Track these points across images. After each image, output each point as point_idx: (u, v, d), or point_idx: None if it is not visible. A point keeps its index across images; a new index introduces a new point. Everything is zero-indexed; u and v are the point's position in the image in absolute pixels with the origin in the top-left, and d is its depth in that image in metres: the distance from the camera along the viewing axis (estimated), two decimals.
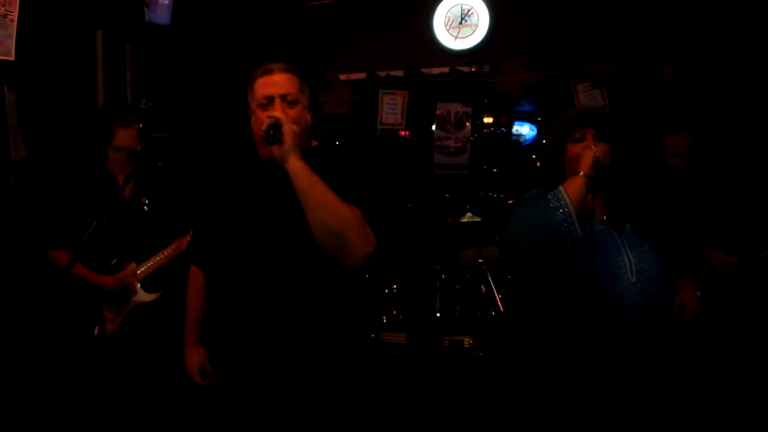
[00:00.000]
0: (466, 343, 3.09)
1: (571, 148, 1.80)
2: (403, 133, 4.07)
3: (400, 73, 3.87)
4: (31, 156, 2.72)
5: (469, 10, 3.84)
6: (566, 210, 1.66)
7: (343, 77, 3.98)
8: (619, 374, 1.69)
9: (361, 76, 3.93)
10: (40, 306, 2.47)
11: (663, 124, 3.05)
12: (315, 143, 1.81)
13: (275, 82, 1.67)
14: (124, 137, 2.52)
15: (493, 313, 3.13)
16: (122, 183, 2.42)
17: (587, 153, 1.71)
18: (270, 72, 1.69)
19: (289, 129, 1.55)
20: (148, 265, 2.52)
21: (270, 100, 1.66)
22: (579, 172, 1.72)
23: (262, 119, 1.62)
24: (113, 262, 2.50)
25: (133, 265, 2.50)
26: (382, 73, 3.88)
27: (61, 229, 2.41)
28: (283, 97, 1.66)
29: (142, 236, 2.51)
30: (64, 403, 2.42)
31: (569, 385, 1.71)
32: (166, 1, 3.39)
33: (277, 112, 1.61)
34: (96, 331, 2.42)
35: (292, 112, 1.65)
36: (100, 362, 2.39)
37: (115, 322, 2.45)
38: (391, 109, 3.85)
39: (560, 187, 1.71)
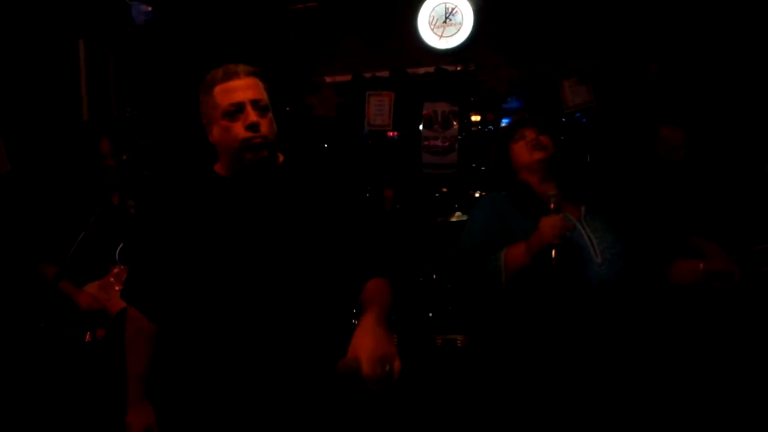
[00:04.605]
0: (458, 342, 3.10)
1: (515, 148, 1.94)
2: (391, 134, 4.07)
3: (385, 74, 3.86)
4: (16, 169, 2.71)
5: (453, 9, 3.84)
6: (497, 279, 1.71)
7: (328, 80, 3.98)
8: (600, 355, 1.70)
9: (347, 78, 3.93)
10: (30, 319, 2.47)
11: (649, 118, 3.06)
12: (281, 158, 1.60)
13: (242, 87, 1.46)
14: (110, 153, 2.53)
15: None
16: (110, 190, 2.44)
17: (545, 228, 1.64)
18: (235, 75, 1.47)
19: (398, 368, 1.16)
20: None
21: (239, 107, 1.44)
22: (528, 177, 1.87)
23: (234, 131, 1.45)
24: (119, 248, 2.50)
25: (118, 268, 2.50)
26: (368, 75, 3.88)
27: (50, 241, 2.41)
28: (255, 104, 1.46)
29: (128, 239, 2.53)
30: (60, 410, 2.42)
31: (554, 376, 1.72)
32: (149, 8, 3.38)
33: None
34: (88, 337, 2.43)
35: (266, 122, 1.47)
36: (95, 367, 2.39)
37: (104, 327, 2.46)
38: (378, 110, 3.85)
39: (501, 256, 1.73)
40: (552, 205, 1.68)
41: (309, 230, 1.47)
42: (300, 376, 1.43)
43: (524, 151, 1.90)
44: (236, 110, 1.45)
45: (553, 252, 1.62)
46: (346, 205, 1.55)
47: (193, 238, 1.47)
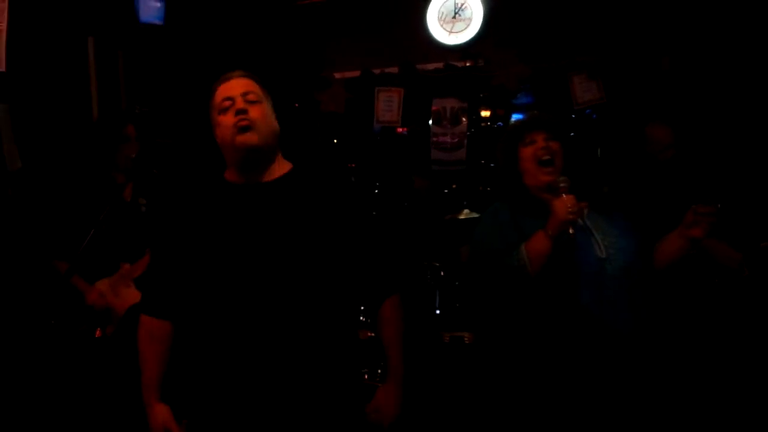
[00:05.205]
0: (466, 339, 3.09)
1: (523, 151, 1.89)
2: (400, 130, 4.06)
3: (394, 70, 3.85)
4: (27, 167, 2.73)
5: (462, 4, 3.81)
6: (524, 272, 1.72)
7: (338, 75, 3.97)
8: (605, 353, 1.71)
9: (356, 73, 3.92)
10: (40, 316, 2.50)
11: (657, 114, 3.03)
12: (289, 166, 1.65)
13: (234, 85, 1.57)
14: (127, 154, 2.55)
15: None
16: (121, 187, 2.46)
17: (559, 207, 1.69)
18: (228, 78, 1.59)
19: None
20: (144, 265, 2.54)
21: (231, 99, 1.54)
22: (539, 181, 1.83)
23: (225, 123, 1.54)
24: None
25: (128, 265, 2.52)
26: (377, 71, 3.87)
27: (63, 238, 2.43)
28: (244, 95, 1.55)
29: (139, 237, 2.54)
30: (69, 407, 2.45)
31: (559, 374, 1.72)
32: (158, 4, 3.38)
33: None
34: (98, 333, 2.45)
35: (255, 110, 1.54)
36: (104, 363, 2.42)
37: (113, 323, 2.49)
38: (387, 106, 3.84)
39: (523, 249, 1.73)
40: (562, 189, 1.72)
41: (316, 239, 1.52)
42: (307, 380, 1.48)
43: (532, 164, 1.86)
44: (229, 104, 1.54)
45: (570, 229, 1.68)
46: (355, 217, 1.61)
47: (204, 247, 1.53)
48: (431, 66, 3.85)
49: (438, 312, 3.28)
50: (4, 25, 2.48)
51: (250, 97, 1.55)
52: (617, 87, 3.49)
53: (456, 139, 3.80)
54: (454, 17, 3.83)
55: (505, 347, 1.87)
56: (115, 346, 2.44)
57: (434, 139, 3.85)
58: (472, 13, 3.80)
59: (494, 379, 1.91)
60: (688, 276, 1.96)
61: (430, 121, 3.88)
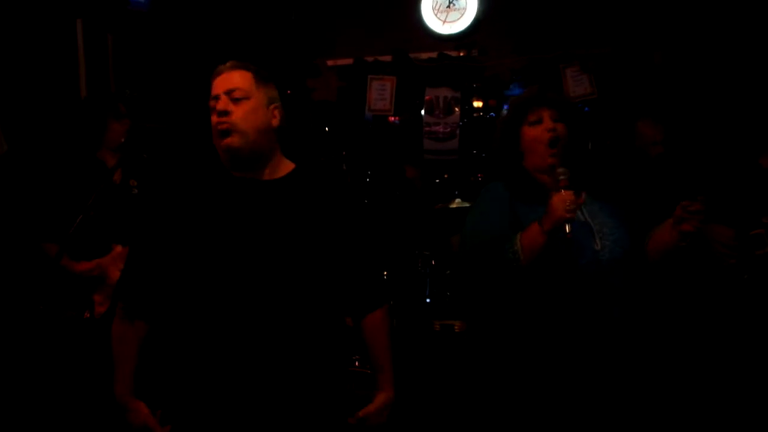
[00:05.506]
0: (456, 327, 3.11)
1: (528, 131, 1.81)
2: (392, 119, 4.05)
3: (387, 58, 3.84)
4: (14, 150, 2.69)
5: None
6: (517, 263, 1.68)
7: (330, 63, 3.95)
8: (599, 342, 1.70)
9: (349, 61, 3.90)
10: (28, 302, 2.47)
11: (649, 110, 3.06)
12: (291, 166, 1.61)
13: (222, 81, 1.51)
14: (117, 131, 2.53)
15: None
16: (111, 169, 2.43)
17: (557, 203, 1.63)
18: (218, 73, 1.53)
19: None
20: None
21: (216, 98, 1.49)
22: (543, 166, 1.77)
23: (212, 123, 1.50)
24: None
25: (120, 246, 2.50)
26: (370, 59, 3.85)
27: (52, 220, 2.40)
28: (228, 93, 1.48)
29: (130, 218, 2.52)
30: (60, 394, 2.43)
31: (551, 364, 1.71)
32: None
33: None
34: (86, 314, 2.43)
35: (239, 109, 1.48)
36: (92, 345, 2.38)
37: (104, 304, 2.46)
38: (380, 95, 3.82)
39: (517, 240, 1.69)
40: (561, 182, 1.65)
41: (311, 242, 1.51)
42: (296, 378, 1.46)
43: (537, 143, 1.78)
44: (214, 104, 1.50)
45: (567, 227, 1.62)
46: (353, 225, 1.60)
47: (197, 237, 1.48)
48: (425, 55, 3.84)
49: (428, 300, 3.29)
50: None
51: (236, 94, 1.49)
52: (609, 81, 3.51)
53: (448, 129, 3.80)
54: (448, 7, 3.82)
55: (497, 336, 1.86)
56: (105, 328, 2.42)
57: (426, 128, 3.85)
58: (466, 3, 3.79)
59: (485, 368, 1.90)
60: (684, 267, 1.96)
61: (423, 111, 3.88)
